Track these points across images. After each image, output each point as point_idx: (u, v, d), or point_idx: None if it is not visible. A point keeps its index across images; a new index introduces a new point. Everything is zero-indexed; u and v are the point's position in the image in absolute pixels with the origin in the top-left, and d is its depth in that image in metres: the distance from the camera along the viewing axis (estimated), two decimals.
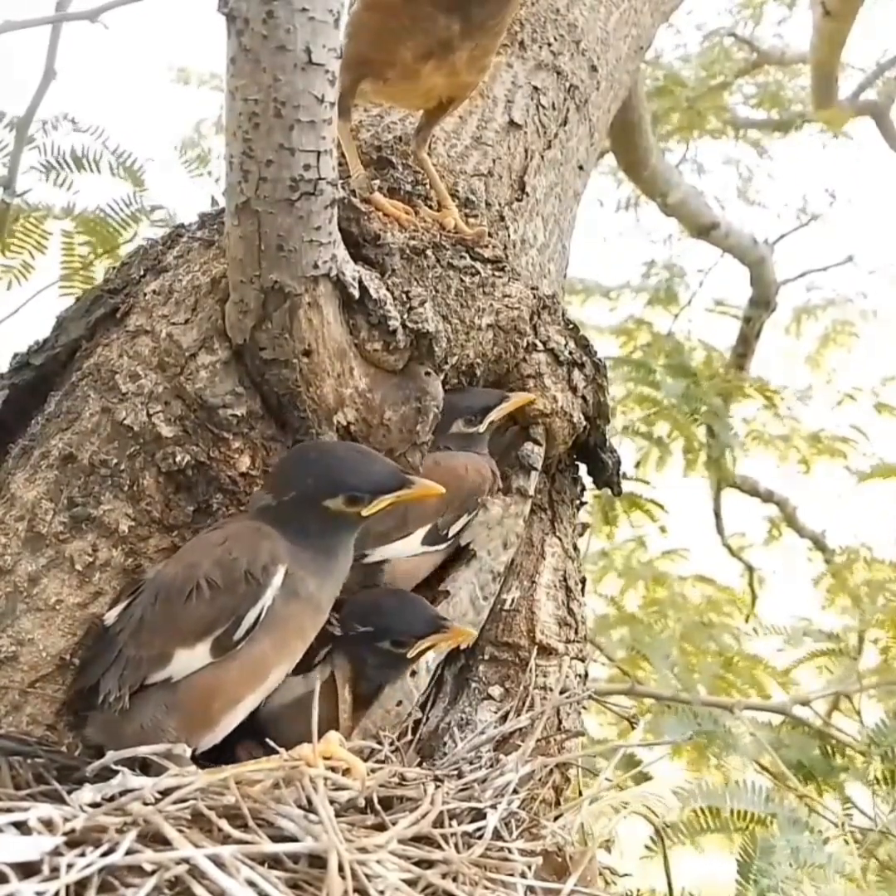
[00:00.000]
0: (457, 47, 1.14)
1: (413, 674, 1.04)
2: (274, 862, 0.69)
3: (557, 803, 1.06)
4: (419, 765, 1.01)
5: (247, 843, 0.69)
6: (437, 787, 0.88)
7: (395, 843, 0.75)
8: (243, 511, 1.01)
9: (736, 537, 4.35)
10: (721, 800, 1.57)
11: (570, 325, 1.25)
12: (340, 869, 0.66)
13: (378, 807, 0.80)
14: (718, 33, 4.81)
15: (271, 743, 0.85)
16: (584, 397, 1.22)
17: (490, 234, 1.26)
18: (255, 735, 0.96)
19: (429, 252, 1.13)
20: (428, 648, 1.02)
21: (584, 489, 1.31)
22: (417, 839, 0.79)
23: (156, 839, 0.67)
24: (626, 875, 1.14)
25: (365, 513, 0.94)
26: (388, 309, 1.05)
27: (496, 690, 1.09)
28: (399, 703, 1.03)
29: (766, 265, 4.22)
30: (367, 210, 1.11)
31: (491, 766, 0.97)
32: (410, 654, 1.02)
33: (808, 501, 4.21)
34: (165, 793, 0.74)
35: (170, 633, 0.89)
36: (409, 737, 1.05)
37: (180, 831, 0.68)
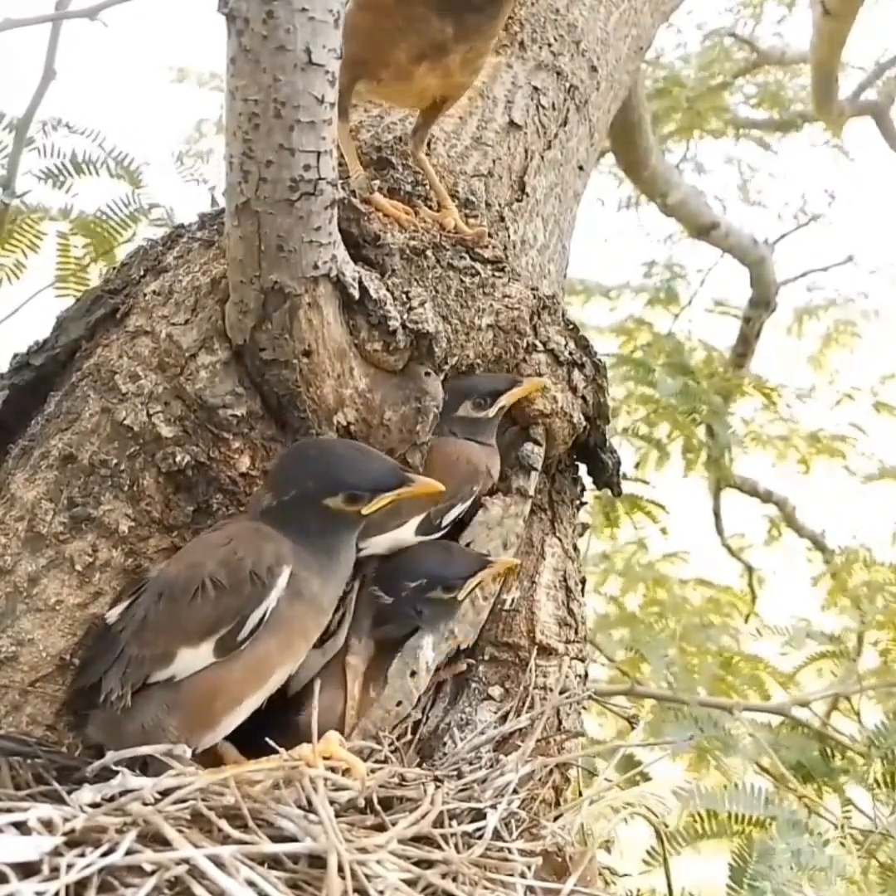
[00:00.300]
0: (450, 50, 1.14)
1: (413, 674, 1.04)
2: (274, 862, 0.70)
3: (557, 803, 1.06)
4: (419, 765, 1.01)
5: (247, 843, 0.69)
6: (437, 787, 0.88)
7: (395, 844, 0.75)
8: (243, 511, 1.01)
9: (736, 537, 4.35)
10: (720, 803, 1.56)
11: (570, 326, 1.25)
12: (340, 869, 0.66)
13: (378, 807, 0.80)
14: (719, 33, 4.82)
15: (271, 742, 0.85)
16: (584, 397, 1.22)
17: (490, 235, 1.26)
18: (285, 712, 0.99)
19: (429, 252, 1.13)
20: (476, 585, 1.07)
21: (584, 489, 1.31)
22: (417, 839, 0.79)
23: (156, 839, 0.67)
24: (625, 875, 1.14)
25: (365, 511, 0.94)
26: (388, 309, 1.05)
27: (496, 691, 1.09)
28: (399, 704, 1.03)
29: (766, 265, 4.22)
30: (367, 210, 1.11)
31: (491, 766, 0.97)
32: (461, 596, 1.06)
33: (807, 501, 4.22)
34: (165, 793, 0.74)
35: (173, 632, 0.89)
36: (409, 737, 1.05)
37: (180, 831, 0.68)
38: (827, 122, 4.24)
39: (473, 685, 1.10)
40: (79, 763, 0.88)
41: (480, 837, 0.85)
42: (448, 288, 1.13)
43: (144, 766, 0.84)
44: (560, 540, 1.21)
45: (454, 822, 0.85)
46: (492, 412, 1.14)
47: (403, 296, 1.08)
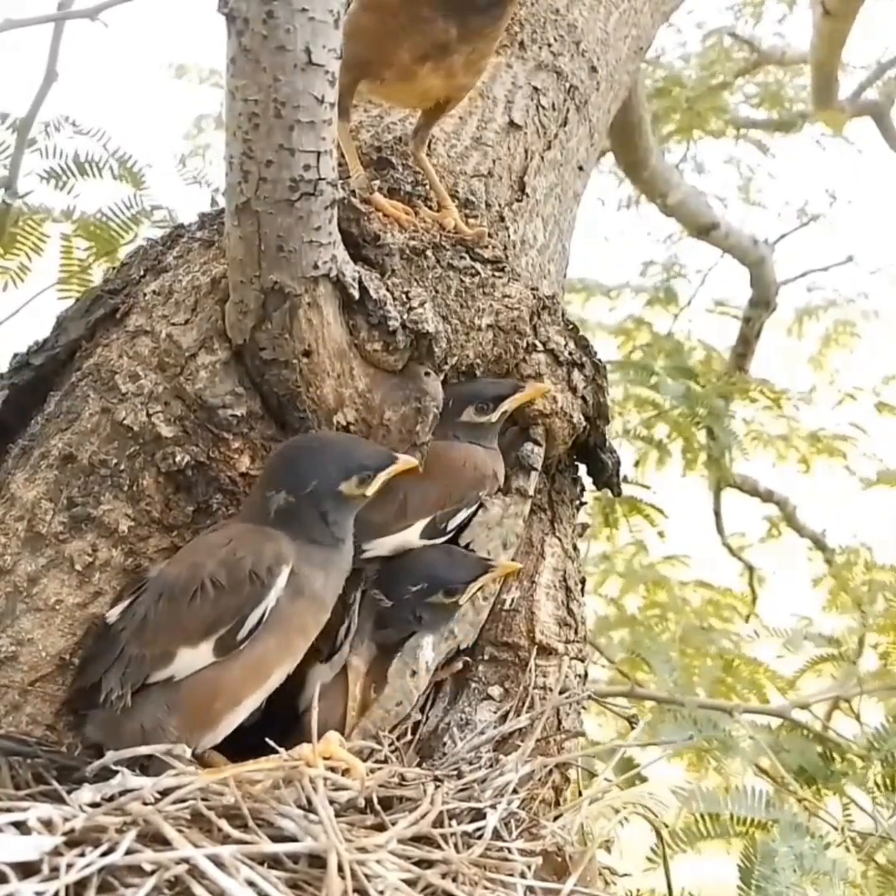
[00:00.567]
0: (454, 51, 1.14)
1: (413, 674, 1.04)
2: (274, 862, 0.70)
3: (557, 803, 1.06)
4: (419, 765, 1.01)
5: (247, 843, 0.69)
6: (437, 787, 0.88)
7: (395, 843, 0.75)
8: (241, 512, 1.01)
9: (736, 537, 4.35)
10: (721, 805, 1.56)
11: (570, 326, 1.25)
12: (340, 869, 0.66)
13: (378, 807, 0.80)
14: (719, 32, 4.82)
15: (271, 743, 0.85)
16: (583, 398, 1.22)
17: (490, 235, 1.26)
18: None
19: (429, 252, 1.13)
20: (478, 590, 1.07)
21: (583, 489, 1.31)
22: (417, 839, 0.79)
23: (156, 839, 0.67)
24: (625, 875, 1.14)
25: (368, 492, 0.97)
26: (388, 309, 1.05)
27: (496, 690, 1.09)
28: (399, 704, 1.03)
29: (767, 265, 4.22)
30: (367, 210, 1.11)
31: (491, 766, 0.97)
32: (462, 600, 1.06)
33: (807, 501, 4.21)
34: (165, 793, 0.74)
35: (173, 631, 0.89)
36: (409, 737, 1.05)
37: (180, 831, 0.68)
38: (827, 123, 4.23)
39: (473, 685, 1.10)
40: (79, 763, 0.88)
41: (480, 837, 0.85)
42: (448, 288, 1.13)
43: (144, 766, 0.84)
44: (560, 540, 1.21)
45: (454, 822, 0.85)
46: (495, 417, 1.14)
47: (403, 296, 1.08)
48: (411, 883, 0.72)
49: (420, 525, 1.09)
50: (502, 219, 1.39)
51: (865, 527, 3.52)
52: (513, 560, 1.15)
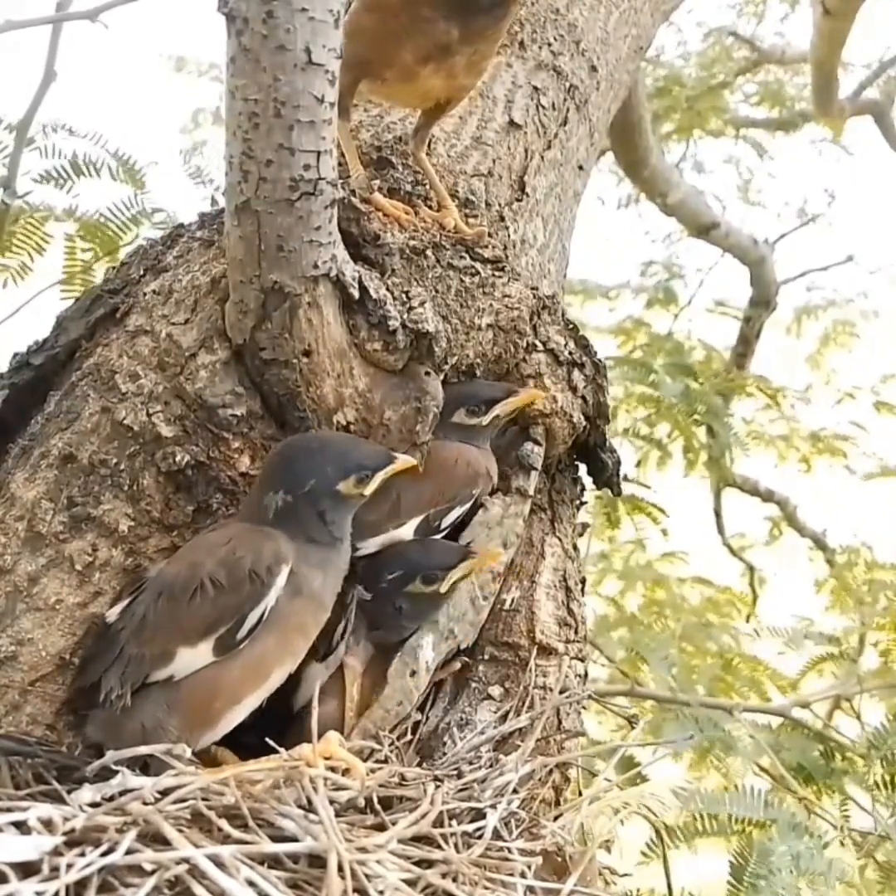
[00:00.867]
0: (456, 51, 1.14)
1: (413, 674, 1.04)
2: (274, 862, 0.70)
3: (557, 803, 1.06)
4: (419, 765, 1.01)
5: (247, 843, 0.69)
6: (437, 787, 0.88)
7: (395, 843, 0.75)
8: (240, 511, 1.01)
9: (736, 537, 4.35)
10: (720, 805, 1.56)
11: (570, 326, 1.25)
12: (340, 869, 0.66)
13: (378, 807, 0.80)
14: (719, 31, 4.82)
15: (271, 743, 0.85)
16: (584, 397, 1.22)
17: (490, 235, 1.26)
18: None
19: (429, 252, 1.13)
20: (461, 579, 1.04)
21: (583, 489, 1.31)
22: (417, 839, 0.79)
23: (156, 839, 0.67)
24: (626, 875, 1.14)
25: (366, 492, 0.97)
26: (388, 309, 1.05)
27: (496, 690, 1.09)
28: (399, 704, 1.03)
29: (766, 265, 4.22)
30: (367, 210, 1.11)
31: (491, 766, 0.97)
32: (443, 588, 1.04)
33: (808, 501, 4.21)
34: (165, 792, 0.74)
35: (173, 631, 0.89)
36: (409, 737, 1.05)
37: (180, 831, 0.68)
38: (827, 122, 4.23)
39: (473, 685, 1.10)
40: (79, 763, 0.88)
41: (480, 837, 0.85)
42: (448, 288, 1.13)
43: (144, 765, 0.84)
44: (560, 540, 1.21)
45: (454, 822, 0.85)
46: (486, 420, 1.14)
47: (403, 295, 1.08)
48: (411, 883, 0.72)
49: (413, 523, 1.09)
50: (502, 218, 1.39)
51: (866, 525, 3.53)
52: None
